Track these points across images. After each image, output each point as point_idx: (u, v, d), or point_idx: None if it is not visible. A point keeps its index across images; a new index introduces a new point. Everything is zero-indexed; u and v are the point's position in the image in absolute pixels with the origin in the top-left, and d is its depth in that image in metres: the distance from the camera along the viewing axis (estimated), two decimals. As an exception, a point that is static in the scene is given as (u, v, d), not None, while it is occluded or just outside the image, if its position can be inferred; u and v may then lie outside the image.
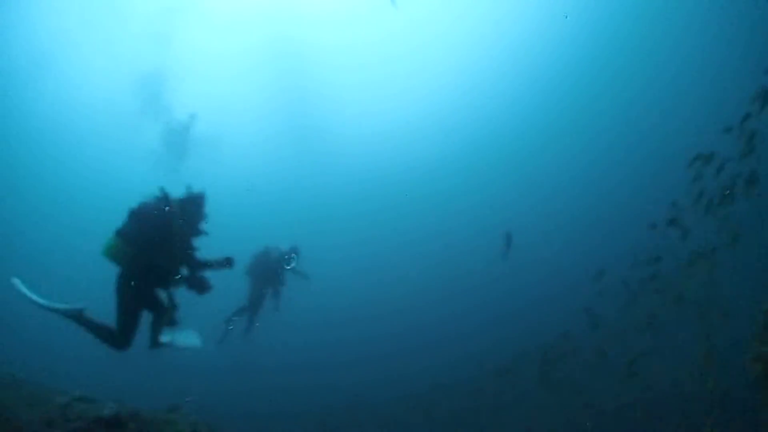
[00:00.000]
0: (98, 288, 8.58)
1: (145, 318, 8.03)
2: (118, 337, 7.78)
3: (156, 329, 8.13)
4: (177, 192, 8.11)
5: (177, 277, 7.98)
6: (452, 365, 20.52)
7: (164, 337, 8.36)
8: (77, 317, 7.78)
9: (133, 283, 7.74)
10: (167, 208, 7.87)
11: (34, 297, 7.74)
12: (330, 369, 23.82)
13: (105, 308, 7.77)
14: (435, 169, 42.69)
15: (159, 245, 7.75)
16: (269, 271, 14.33)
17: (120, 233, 7.76)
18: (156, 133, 26.47)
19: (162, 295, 8.06)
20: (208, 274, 8.16)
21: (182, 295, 8.08)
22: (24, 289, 7.77)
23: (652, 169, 30.94)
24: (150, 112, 27.77)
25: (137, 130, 28.71)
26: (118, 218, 7.88)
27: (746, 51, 28.89)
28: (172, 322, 8.05)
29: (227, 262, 8.20)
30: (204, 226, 8.28)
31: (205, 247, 8.22)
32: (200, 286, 8.09)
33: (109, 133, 37.93)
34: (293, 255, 14.04)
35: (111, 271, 7.81)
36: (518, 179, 39.13)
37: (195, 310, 8.53)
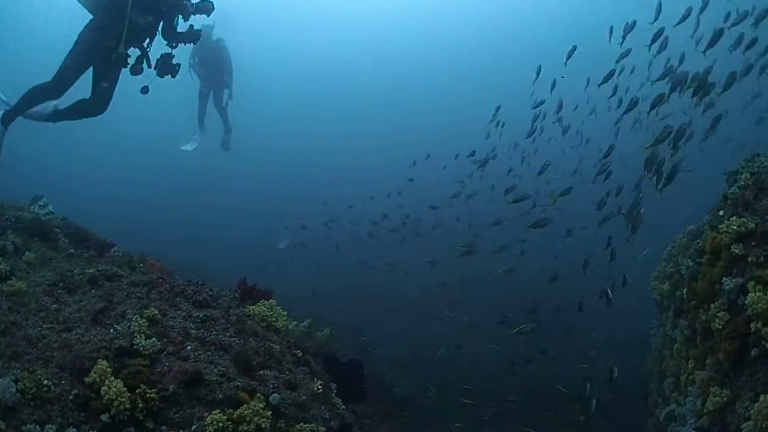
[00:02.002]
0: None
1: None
2: (53, 86, 6.46)
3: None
4: None
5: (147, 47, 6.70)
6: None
7: None
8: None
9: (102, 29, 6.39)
10: None
11: None
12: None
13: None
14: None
15: None
16: (211, 61, 12.32)
17: None
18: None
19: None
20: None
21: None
22: None
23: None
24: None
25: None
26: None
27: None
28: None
29: (196, 33, 7.04)
30: None
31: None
32: (170, 68, 6.91)
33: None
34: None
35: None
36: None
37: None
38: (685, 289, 5.73)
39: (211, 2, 6.97)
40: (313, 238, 18.73)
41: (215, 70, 12.35)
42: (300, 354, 4.63)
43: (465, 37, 37.69)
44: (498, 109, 13.34)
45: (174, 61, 6.91)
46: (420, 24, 37.86)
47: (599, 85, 10.09)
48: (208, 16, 7.17)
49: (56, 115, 6.82)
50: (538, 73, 11.43)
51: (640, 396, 7.77)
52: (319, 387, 4.41)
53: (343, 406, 4.79)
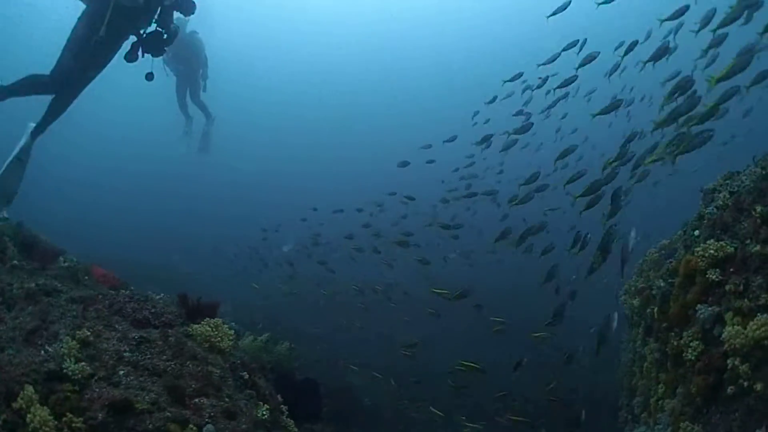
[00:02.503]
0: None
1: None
2: (51, 81, 6.12)
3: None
4: None
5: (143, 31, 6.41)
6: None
7: None
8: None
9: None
10: None
11: None
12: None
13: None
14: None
15: None
16: (185, 54, 11.91)
17: None
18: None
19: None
20: None
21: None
22: None
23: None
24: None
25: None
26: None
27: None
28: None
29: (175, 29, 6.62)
30: None
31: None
32: (158, 45, 6.50)
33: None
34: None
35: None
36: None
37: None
38: (655, 308, 5.40)
39: (194, 3, 6.59)
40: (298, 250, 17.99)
41: (189, 63, 11.97)
42: (247, 376, 4.23)
43: (461, 41, 37.67)
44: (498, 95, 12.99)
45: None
46: (414, 29, 37.81)
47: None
48: (186, 15, 6.82)
49: (36, 130, 6.47)
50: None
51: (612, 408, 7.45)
52: (265, 412, 4.01)
53: (296, 429, 4.43)
